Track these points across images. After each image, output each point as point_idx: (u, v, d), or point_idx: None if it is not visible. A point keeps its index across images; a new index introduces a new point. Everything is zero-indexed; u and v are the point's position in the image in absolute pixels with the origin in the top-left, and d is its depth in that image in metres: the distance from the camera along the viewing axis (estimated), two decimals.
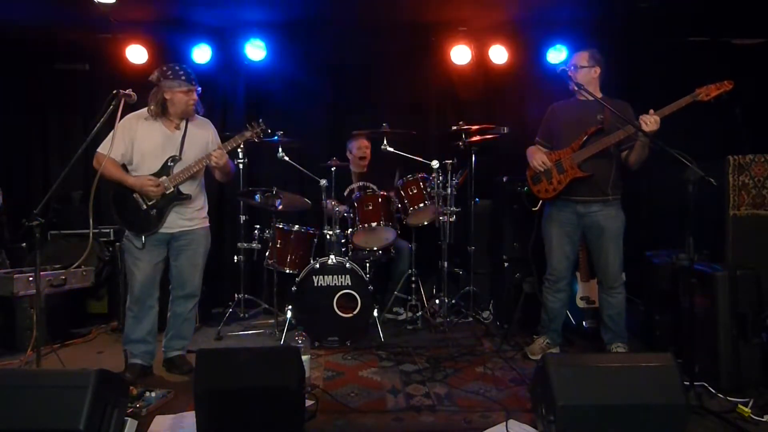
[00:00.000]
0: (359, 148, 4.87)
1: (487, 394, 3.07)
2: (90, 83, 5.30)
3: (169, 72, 3.21)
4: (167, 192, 3.28)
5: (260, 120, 3.44)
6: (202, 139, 3.42)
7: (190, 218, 3.40)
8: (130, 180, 3.25)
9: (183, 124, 3.36)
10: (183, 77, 3.21)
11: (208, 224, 3.52)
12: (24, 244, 4.64)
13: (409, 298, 4.61)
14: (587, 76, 3.46)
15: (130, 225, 3.30)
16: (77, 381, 2.23)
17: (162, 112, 3.28)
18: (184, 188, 3.33)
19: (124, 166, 3.31)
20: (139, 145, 3.27)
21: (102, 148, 3.23)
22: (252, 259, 4.62)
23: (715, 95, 3.09)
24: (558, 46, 5.15)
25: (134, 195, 3.27)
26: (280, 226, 4.31)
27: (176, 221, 3.35)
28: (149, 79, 3.26)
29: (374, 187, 4.40)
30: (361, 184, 4.56)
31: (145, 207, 3.26)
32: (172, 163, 3.29)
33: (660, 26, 4.97)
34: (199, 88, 3.33)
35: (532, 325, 3.89)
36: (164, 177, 3.27)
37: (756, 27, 4.98)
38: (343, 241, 4.38)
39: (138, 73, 4.86)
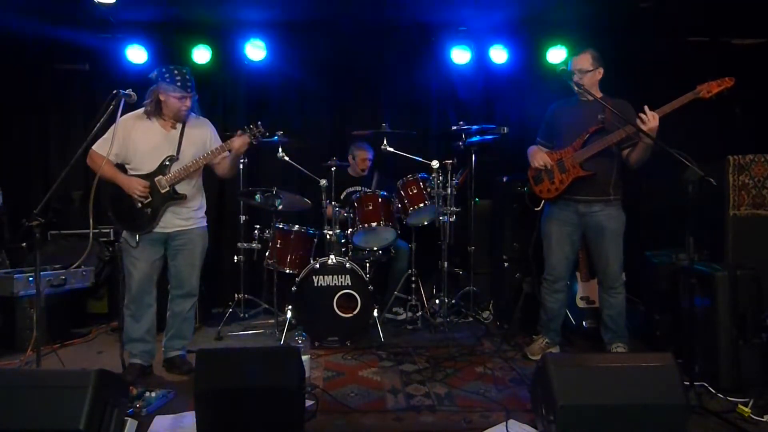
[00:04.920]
0: (363, 160, 4.89)
1: (487, 394, 3.07)
2: (90, 83, 5.30)
3: (167, 74, 3.18)
4: (163, 191, 3.27)
5: (258, 123, 3.42)
6: (200, 138, 3.41)
7: (187, 218, 3.39)
8: (120, 178, 3.26)
9: (180, 124, 3.35)
10: (178, 83, 3.18)
11: (205, 224, 3.52)
12: (24, 244, 4.63)
13: (409, 298, 4.61)
14: (593, 78, 3.45)
15: (124, 223, 3.30)
16: (77, 381, 2.23)
17: (157, 111, 3.29)
18: (180, 188, 3.32)
19: (120, 166, 3.31)
20: (135, 144, 3.27)
21: (97, 147, 3.23)
22: (252, 259, 4.61)
23: (716, 92, 3.07)
24: (558, 46, 5.15)
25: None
26: (280, 226, 4.31)
27: (172, 221, 3.34)
28: (149, 77, 3.26)
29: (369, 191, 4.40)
30: (358, 188, 4.59)
31: (139, 206, 3.26)
32: (169, 163, 3.29)
33: (660, 26, 4.97)
34: (196, 96, 3.31)
35: (532, 325, 3.89)
36: (160, 176, 3.27)
37: (756, 27, 4.98)
38: (343, 241, 4.38)
39: (138, 73, 4.86)
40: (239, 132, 3.36)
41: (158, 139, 3.30)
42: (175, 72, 3.19)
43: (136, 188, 3.21)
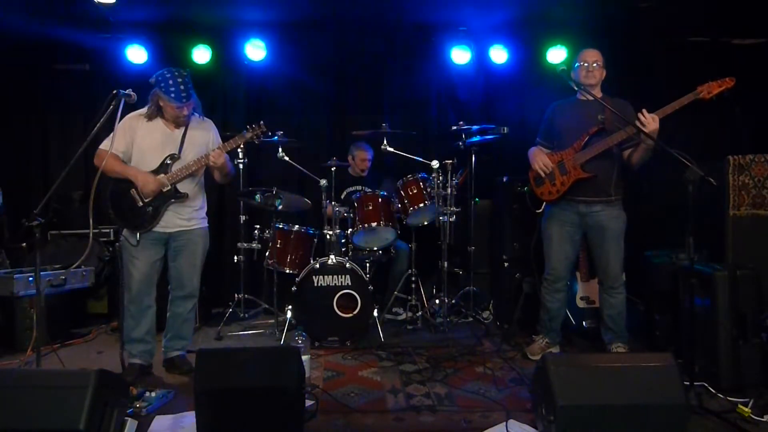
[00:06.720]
0: (362, 160, 4.90)
1: (487, 394, 3.07)
2: (90, 83, 5.29)
3: (162, 83, 3.15)
4: (164, 190, 3.28)
5: (261, 122, 3.44)
6: (202, 139, 3.41)
7: (188, 218, 3.39)
8: (131, 171, 3.26)
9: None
10: (173, 94, 3.14)
11: (207, 224, 3.52)
12: (24, 244, 4.63)
13: (409, 298, 4.61)
14: (602, 75, 3.46)
15: (124, 221, 3.31)
16: (77, 381, 2.23)
17: (158, 113, 3.30)
18: (182, 187, 3.33)
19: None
20: (139, 143, 3.29)
21: (104, 146, 3.24)
22: (252, 259, 4.61)
23: (716, 93, 3.07)
24: (558, 46, 5.15)
25: (132, 191, 3.28)
26: (280, 226, 4.31)
27: (174, 221, 3.34)
28: (149, 81, 3.26)
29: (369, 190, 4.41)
30: (358, 188, 4.59)
31: (141, 204, 3.27)
32: (170, 161, 3.29)
33: (660, 26, 4.97)
34: (194, 101, 3.29)
35: (532, 325, 3.89)
36: (162, 175, 3.28)
37: (756, 27, 4.97)
38: (343, 241, 4.38)
39: (138, 73, 4.86)
40: (236, 136, 3.37)
41: (161, 138, 3.31)
42: (171, 82, 3.14)
43: (148, 183, 3.21)
